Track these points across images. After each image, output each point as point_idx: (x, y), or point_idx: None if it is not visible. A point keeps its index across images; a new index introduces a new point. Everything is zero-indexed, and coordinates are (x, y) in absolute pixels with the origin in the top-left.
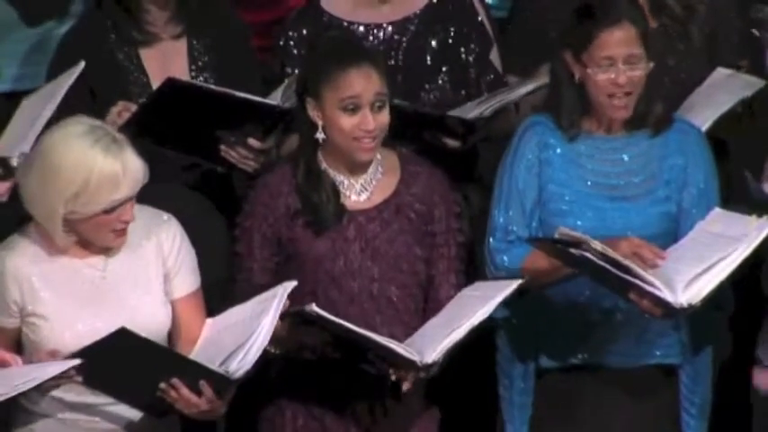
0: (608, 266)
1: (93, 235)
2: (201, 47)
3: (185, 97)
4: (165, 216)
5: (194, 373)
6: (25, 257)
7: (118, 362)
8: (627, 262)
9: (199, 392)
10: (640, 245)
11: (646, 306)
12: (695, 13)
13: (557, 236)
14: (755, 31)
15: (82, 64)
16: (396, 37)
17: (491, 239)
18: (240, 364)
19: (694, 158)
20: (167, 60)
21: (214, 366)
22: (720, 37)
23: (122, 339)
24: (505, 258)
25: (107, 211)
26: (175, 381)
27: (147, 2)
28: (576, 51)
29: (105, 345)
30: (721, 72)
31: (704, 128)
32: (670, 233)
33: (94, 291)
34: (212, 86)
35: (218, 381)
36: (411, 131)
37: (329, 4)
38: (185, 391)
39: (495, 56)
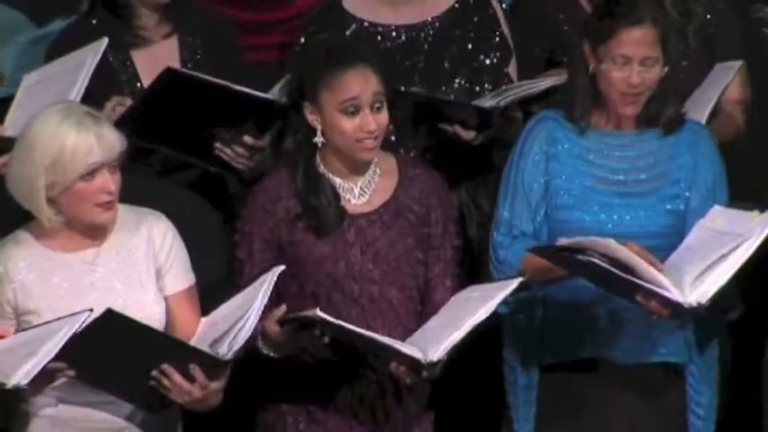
0: (614, 270)
1: (78, 210)
2: (191, 45)
3: (183, 89)
4: (157, 213)
5: (184, 354)
6: (16, 257)
7: (107, 347)
8: (635, 261)
9: (192, 379)
10: (639, 253)
11: (654, 307)
12: (693, 17)
13: (559, 244)
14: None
15: (105, 40)
16: (416, 39)
17: (495, 233)
18: (230, 346)
19: (704, 158)
20: (159, 61)
21: (203, 347)
22: (720, 38)
23: (110, 321)
24: (508, 253)
25: (85, 178)
26: (167, 368)
27: (139, 6)
28: (594, 43)
29: (93, 328)
30: (716, 68)
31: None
32: (677, 231)
33: (86, 284)
34: (210, 78)
35: (208, 362)
36: (427, 120)
37: (351, 4)
38: (177, 378)
39: (512, 68)
